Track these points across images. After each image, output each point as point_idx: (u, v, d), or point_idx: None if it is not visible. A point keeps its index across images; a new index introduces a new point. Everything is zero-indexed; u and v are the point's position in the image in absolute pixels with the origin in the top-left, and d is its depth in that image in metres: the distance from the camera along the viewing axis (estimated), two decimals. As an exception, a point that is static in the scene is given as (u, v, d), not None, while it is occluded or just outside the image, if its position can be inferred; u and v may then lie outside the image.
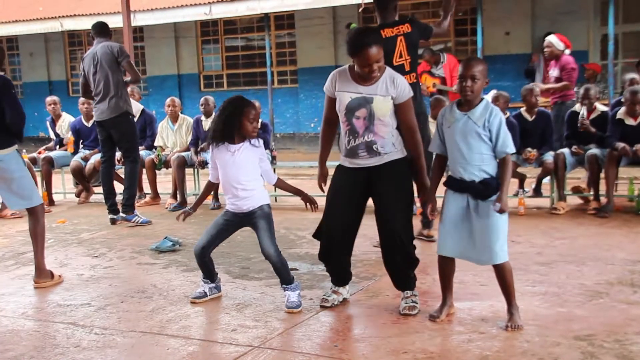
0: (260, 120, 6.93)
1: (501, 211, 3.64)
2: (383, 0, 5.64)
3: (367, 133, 3.99)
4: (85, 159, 8.84)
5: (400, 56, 5.52)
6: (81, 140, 9.10)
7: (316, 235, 4.32)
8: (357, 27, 4.16)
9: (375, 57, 3.86)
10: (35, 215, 5.01)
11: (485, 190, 3.70)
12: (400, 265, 4.11)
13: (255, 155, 4.28)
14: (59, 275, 5.12)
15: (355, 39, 3.90)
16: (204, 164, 8.08)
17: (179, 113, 8.91)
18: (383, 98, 3.97)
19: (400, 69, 5.46)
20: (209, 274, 4.50)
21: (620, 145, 6.64)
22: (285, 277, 4.27)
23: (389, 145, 4.03)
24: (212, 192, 7.93)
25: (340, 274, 4.31)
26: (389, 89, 3.97)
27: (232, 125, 4.19)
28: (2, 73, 4.93)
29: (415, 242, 4.15)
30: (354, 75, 4.03)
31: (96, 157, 8.77)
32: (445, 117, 3.84)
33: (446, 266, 3.92)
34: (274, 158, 8.24)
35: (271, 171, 4.46)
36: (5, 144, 4.86)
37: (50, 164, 8.97)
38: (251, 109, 4.21)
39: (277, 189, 4.74)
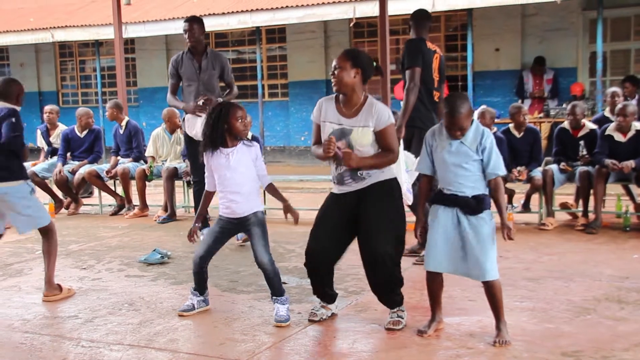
0: (250, 133, 6.92)
1: (510, 237, 3.67)
2: (421, 18, 5.90)
3: None
4: (73, 172, 8.79)
5: (433, 71, 5.68)
6: (71, 151, 9.05)
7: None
8: None
9: (338, 62, 4.00)
10: (48, 234, 4.96)
11: (477, 206, 3.71)
12: (383, 287, 4.09)
13: (249, 156, 4.30)
14: (69, 289, 5.05)
15: None
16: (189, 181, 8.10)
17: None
18: (362, 129, 3.98)
19: (432, 83, 5.75)
20: (201, 285, 4.49)
21: (609, 161, 6.68)
22: (276, 288, 4.27)
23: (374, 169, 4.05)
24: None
25: (323, 294, 4.31)
26: (367, 119, 3.99)
27: (221, 129, 4.21)
28: (11, 105, 4.87)
29: (403, 258, 4.12)
30: (339, 106, 4.08)
31: (85, 169, 8.76)
32: (436, 140, 3.84)
33: (433, 282, 3.91)
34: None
35: (265, 173, 4.45)
36: (12, 176, 4.78)
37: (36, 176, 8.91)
38: (237, 109, 4.24)
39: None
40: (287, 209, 4.34)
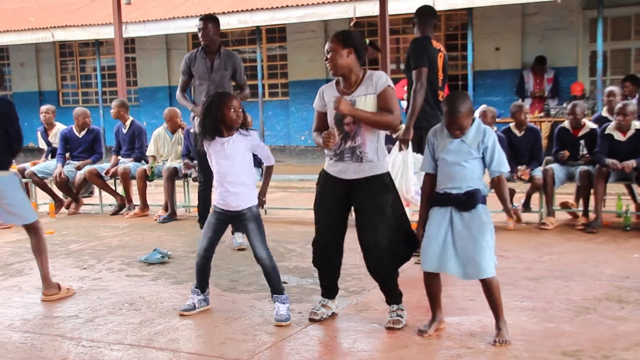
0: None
1: (518, 217, 3.69)
2: (425, 15, 5.84)
3: (357, 136, 4.04)
4: (79, 168, 8.80)
5: (438, 71, 5.66)
6: (70, 151, 9.04)
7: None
8: None
9: (329, 46, 4.04)
10: (33, 231, 4.96)
11: (469, 201, 3.71)
12: (381, 279, 4.12)
13: (245, 145, 4.32)
14: (68, 288, 5.03)
15: None
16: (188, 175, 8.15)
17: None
18: (364, 98, 4.02)
19: (437, 83, 5.70)
20: (203, 282, 4.49)
21: (610, 161, 6.68)
22: (275, 285, 4.28)
23: (372, 153, 4.05)
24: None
25: (328, 284, 4.32)
26: (369, 88, 4.04)
27: (215, 118, 4.25)
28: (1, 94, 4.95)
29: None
30: (339, 88, 4.13)
31: (86, 168, 8.76)
32: (437, 139, 3.84)
33: (431, 284, 3.91)
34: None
35: (269, 155, 4.51)
36: (3, 166, 4.82)
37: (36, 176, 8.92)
38: (230, 99, 4.27)
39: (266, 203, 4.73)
40: (260, 201, 4.43)
